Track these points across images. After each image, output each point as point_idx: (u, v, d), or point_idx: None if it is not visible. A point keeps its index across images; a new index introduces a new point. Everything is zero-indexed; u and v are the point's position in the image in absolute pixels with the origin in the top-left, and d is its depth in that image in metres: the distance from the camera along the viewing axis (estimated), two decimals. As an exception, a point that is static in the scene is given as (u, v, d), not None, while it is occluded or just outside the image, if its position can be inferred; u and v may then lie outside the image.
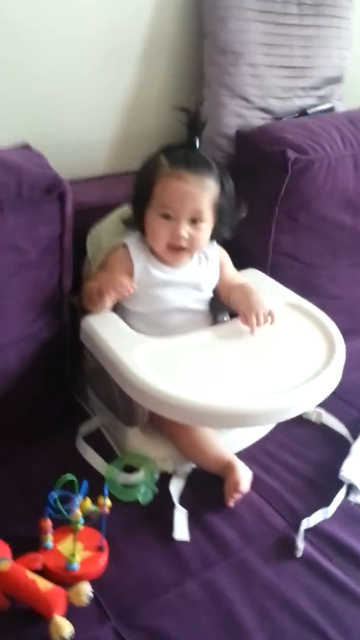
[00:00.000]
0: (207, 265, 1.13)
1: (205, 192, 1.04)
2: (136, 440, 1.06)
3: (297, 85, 1.38)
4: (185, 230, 1.05)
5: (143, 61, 1.29)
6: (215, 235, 1.11)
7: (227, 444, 1.05)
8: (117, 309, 1.10)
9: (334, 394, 1.02)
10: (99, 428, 1.12)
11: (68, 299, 1.08)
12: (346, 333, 1.09)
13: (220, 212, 1.08)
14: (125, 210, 1.14)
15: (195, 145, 1.06)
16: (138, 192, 1.09)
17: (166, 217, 1.05)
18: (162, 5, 1.26)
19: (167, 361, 0.98)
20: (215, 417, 0.94)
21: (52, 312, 1.06)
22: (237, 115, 1.30)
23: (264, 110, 1.34)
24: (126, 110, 1.31)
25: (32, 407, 1.09)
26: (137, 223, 1.10)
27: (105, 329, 1.04)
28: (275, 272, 1.24)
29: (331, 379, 1.00)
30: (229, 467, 1.00)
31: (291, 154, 1.19)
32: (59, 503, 0.89)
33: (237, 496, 0.99)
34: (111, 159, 1.33)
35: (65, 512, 0.88)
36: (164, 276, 1.09)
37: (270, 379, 0.98)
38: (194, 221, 1.05)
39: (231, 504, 0.98)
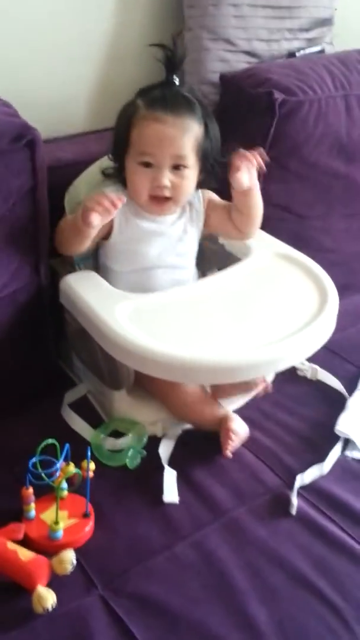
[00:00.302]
0: (192, 214, 1.06)
1: (186, 135, 0.96)
2: (123, 405, 1.02)
3: (284, 26, 1.30)
4: (168, 178, 0.97)
5: (119, 6, 1.21)
6: (202, 184, 1.04)
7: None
8: (98, 269, 1.05)
9: (329, 350, 0.97)
10: (86, 396, 1.07)
11: (45, 260, 1.03)
12: (342, 288, 1.03)
13: (204, 157, 1.00)
14: (105, 161, 1.07)
15: (174, 83, 0.98)
16: (116, 141, 1.01)
17: (146, 165, 0.97)
18: None
19: (151, 317, 0.93)
20: (203, 372, 0.89)
21: (29, 273, 1.01)
22: (221, 59, 1.23)
23: (249, 53, 1.27)
24: (103, 61, 1.24)
25: (13, 374, 1.04)
26: (117, 176, 1.03)
27: (85, 287, 0.99)
28: (265, 224, 1.17)
29: (323, 329, 0.95)
30: (224, 420, 0.96)
31: (278, 96, 1.13)
32: (39, 467, 0.85)
33: (235, 442, 0.94)
34: (89, 115, 1.27)
35: (45, 477, 0.84)
36: (145, 225, 1.02)
37: (260, 330, 0.93)
38: (177, 167, 0.97)
39: (229, 452, 0.94)
